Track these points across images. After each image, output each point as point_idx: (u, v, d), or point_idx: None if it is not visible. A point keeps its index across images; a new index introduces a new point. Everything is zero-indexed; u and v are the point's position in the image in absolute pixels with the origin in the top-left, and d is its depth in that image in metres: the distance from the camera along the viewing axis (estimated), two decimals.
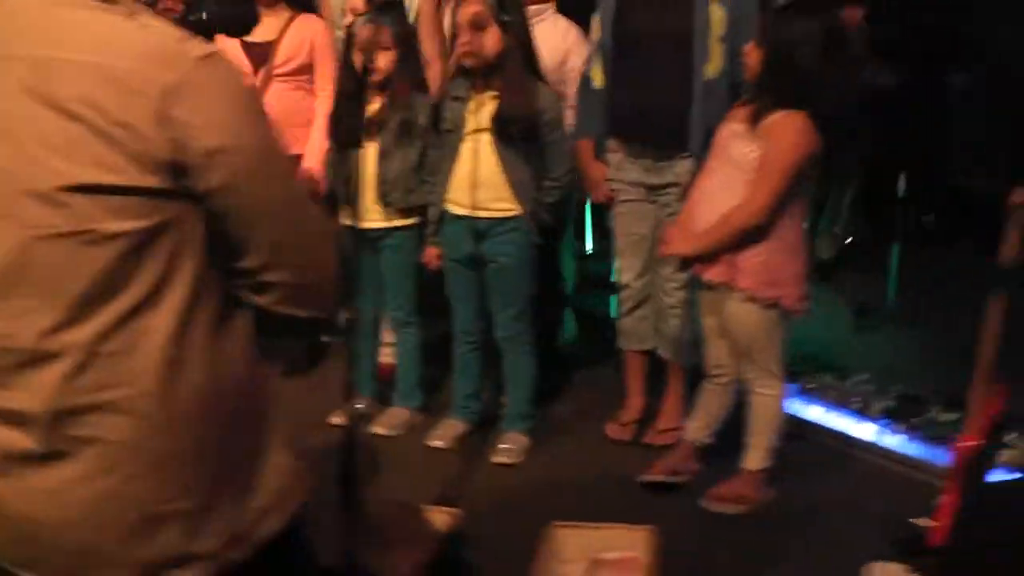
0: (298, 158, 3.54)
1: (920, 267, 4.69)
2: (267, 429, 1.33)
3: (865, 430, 3.36)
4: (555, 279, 3.70)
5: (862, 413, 3.40)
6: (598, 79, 3.18)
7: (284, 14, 3.63)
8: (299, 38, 3.63)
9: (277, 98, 3.58)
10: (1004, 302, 2.63)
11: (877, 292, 4.56)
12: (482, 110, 3.03)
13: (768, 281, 2.78)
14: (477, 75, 3.03)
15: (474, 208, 3.08)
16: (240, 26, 3.72)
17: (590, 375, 3.85)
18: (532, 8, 3.35)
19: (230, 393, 1.24)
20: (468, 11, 2.98)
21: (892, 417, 3.35)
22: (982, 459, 2.64)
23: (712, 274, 2.83)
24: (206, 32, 4.35)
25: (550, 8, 3.41)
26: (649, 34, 3.04)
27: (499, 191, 3.05)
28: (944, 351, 3.79)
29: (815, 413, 3.48)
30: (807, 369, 3.63)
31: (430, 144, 3.17)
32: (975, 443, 2.61)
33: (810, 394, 3.54)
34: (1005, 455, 3.06)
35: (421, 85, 3.24)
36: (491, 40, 2.97)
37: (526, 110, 2.97)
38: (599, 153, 3.24)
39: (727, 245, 2.78)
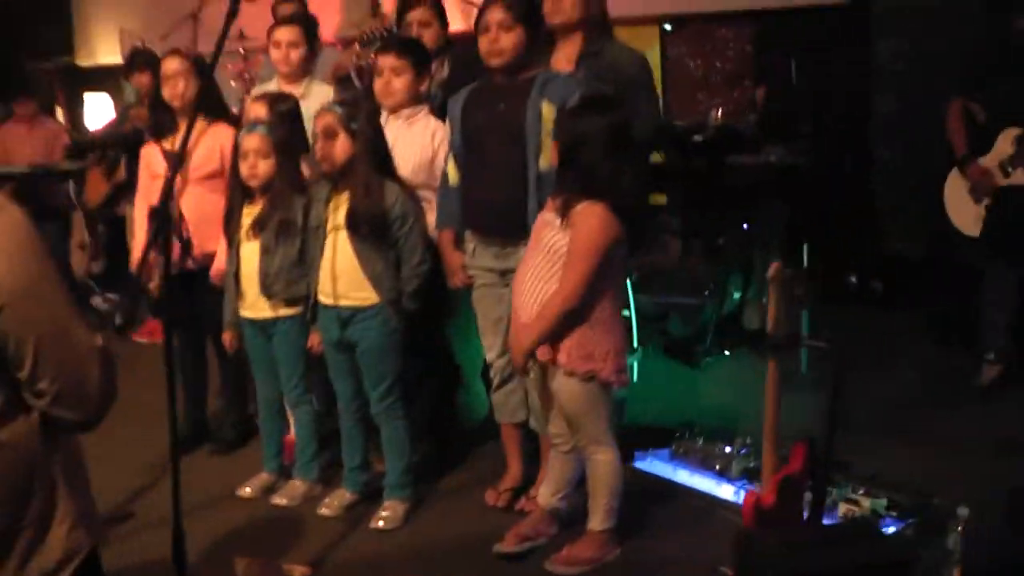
0: (212, 255, 3.92)
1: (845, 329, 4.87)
2: (54, 502, 1.67)
3: (726, 490, 3.55)
4: (439, 357, 3.98)
5: (722, 474, 3.60)
6: (452, 176, 3.49)
7: (200, 123, 4.04)
8: (211, 146, 4.04)
9: (193, 200, 3.99)
10: (774, 368, 2.83)
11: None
12: (340, 209, 3.38)
13: (584, 356, 3.02)
14: (333, 178, 3.39)
15: (337, 298, 3.42)
16: (158, 134, 4.19)
17: (485, 446, 4.10)
18: (406, 110, 3.70)
19: (9, 474, 1.61)
20: (320, 122, 3.35)
21: (751, 478, 3.53)
22: (790, 511, 2.83)
23: (537, 353, 3.08)
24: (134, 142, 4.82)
25: (424, 110, 3.74)
26: (489, 131, 3.35)
27: (358, 282, 3.38)
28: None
29: (682, 475, 3.69)
30: (701, 432, 3.84)
31: (306, 240, 3.52)
32: (763, 498, 2.81)
33: (677, 457, 3.75)
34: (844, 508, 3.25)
35: (300, 186, 3.60)
36: (340, 147, 3.33)
37: (374, 209, 3.31)
38: (460, 243, 3.54)
39: (553, 331, 3.03)
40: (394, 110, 3.69)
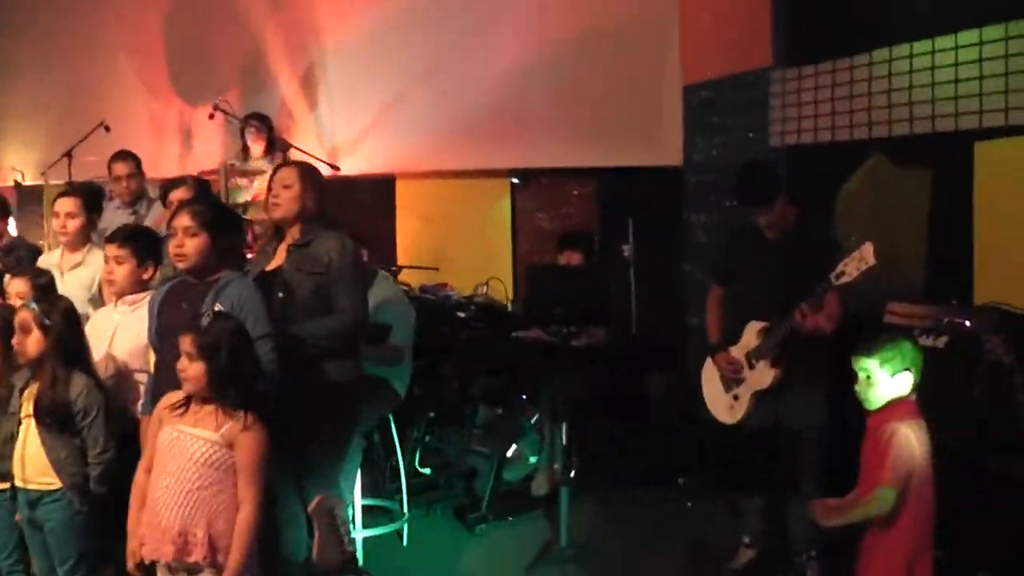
0: None
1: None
2: None
3: None
4: None
5: None
6: (151, 365, 3.67)
7: None
8: None
9: None
10: None
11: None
12: (31, 399, 3.56)
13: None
14: (29, 368, 3.57)
15: (26, 481, 3.58)
16: None
17: None
18: (129, 297, 3.90)
19: None
20: (18, 317, 3.55)
21: None
22: None
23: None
24: None
25: (147, 297, 3.93)
26: (172, 329, 3.49)
27: (43, 467, 3.55)
28: None
29: None
30: None
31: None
32: None
33: None
34: None
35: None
36: (33, 342, 3.53)
37: (58, 400, 3.49)
38: None
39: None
40: (119, 296, 3.88)
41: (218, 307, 3.30)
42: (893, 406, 3.28)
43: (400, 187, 7.42)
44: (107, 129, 6.54)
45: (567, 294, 4.46)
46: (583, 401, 5.02)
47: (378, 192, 7.46)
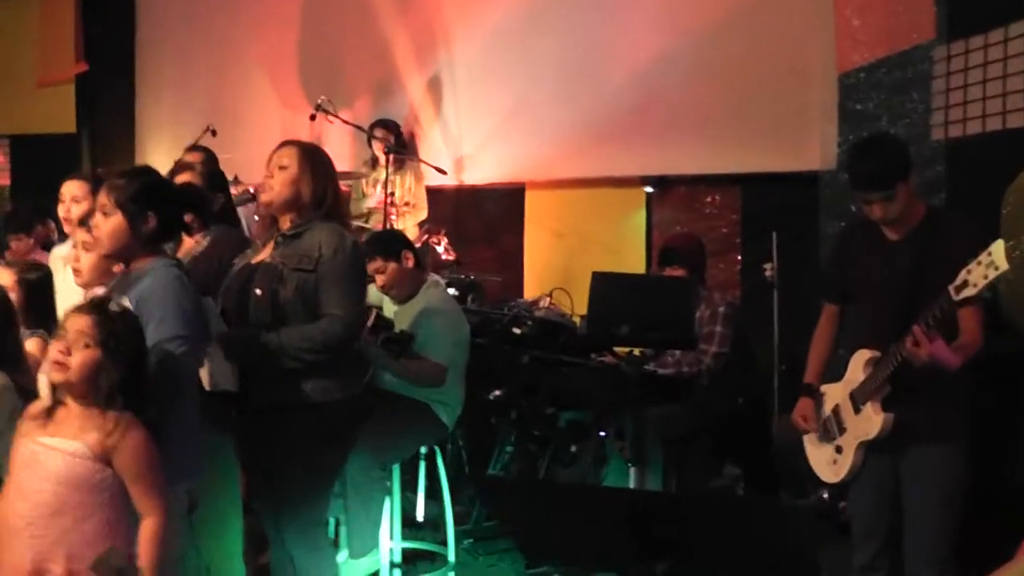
0: None
1: None
2: None
3: None
4: None
5: None
6: None
7: None
8: None
9: None
10: None
11: None
12: None
13: None
14: None
15: None
16: None
17: None
18: (100, 290, 3.46)
19: None
20: None
21: None
22: None
23: None
24: None
25: None
26: None
27: None
28: None
29: None
30: None
31: None
32: None
33: None
34: None
35: None
36: None
37: None
38: None
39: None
40: (85, 288, 3.41)
41: (126, 301, 2.76)
42: None
43: (529, 198, 6.80)
44: (214, 133, 6.31)
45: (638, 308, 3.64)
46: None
47: (506, 203, 6.88)
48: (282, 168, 3.29)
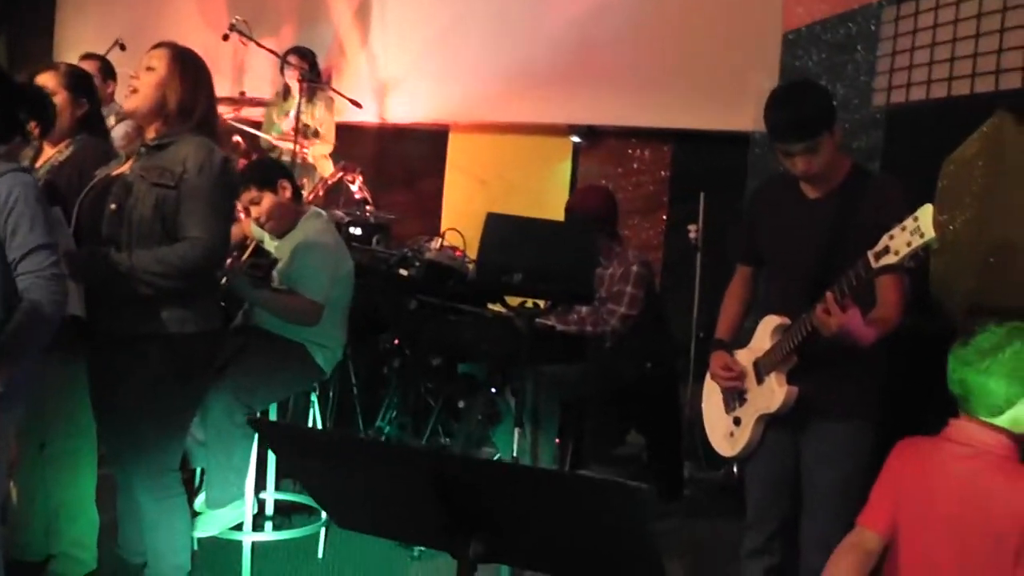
0: None
1: None
2: None
3: None
4: None
5: None
6: None
7: None
8: None
9: None
10: None
11: None
12: None
13: None
14: None
15: None
16: None
17: None
18: None
19: None
20: None
21: None
22: None
23: None
24: None
25: None
26: None
27: None
28: None
29: None
30: None
31: None
32: None
33: None
34: None
35: None
36: None
37: None
38: None
39: None
40: None
41: None
42: None
43: (452, 140, 6.44)
44: (123, 47, 5.86)
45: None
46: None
47: (428, 145, 6.50)
48: (149, 69, 2.96)
